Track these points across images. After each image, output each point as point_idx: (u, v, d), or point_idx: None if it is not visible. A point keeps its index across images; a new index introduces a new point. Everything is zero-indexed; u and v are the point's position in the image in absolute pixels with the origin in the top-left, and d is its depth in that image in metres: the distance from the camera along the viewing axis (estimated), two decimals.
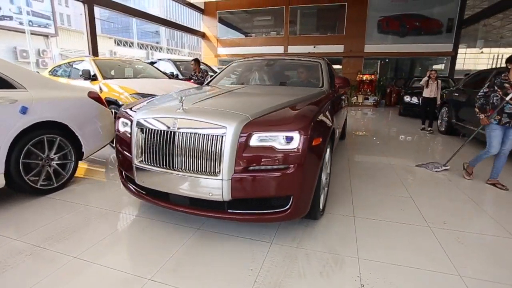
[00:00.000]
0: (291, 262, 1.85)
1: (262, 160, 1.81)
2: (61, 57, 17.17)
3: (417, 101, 8.91)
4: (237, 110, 1.95)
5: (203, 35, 16.82)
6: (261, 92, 2.90)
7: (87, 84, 4.62)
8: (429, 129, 6.72)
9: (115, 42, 24.27)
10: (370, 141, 5.59)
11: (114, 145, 2.66)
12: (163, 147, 1.92)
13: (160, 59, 8.84)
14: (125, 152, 2.20)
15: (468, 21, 12.95)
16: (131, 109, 2.30)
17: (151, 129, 1.96)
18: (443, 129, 6.51)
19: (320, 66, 3.51)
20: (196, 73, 6.43)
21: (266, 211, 1.91)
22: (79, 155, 3.10)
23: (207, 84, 3.70)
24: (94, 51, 9.45)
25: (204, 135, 1.82)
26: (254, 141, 1.82)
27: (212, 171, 1.82)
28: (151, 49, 24.78)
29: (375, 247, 2.03)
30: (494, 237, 2.22)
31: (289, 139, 1.81)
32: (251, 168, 1.81)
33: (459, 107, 5.83)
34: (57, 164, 2.88)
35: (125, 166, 2.23)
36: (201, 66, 6.70)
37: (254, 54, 16.65)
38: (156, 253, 1.90)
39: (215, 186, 1.81)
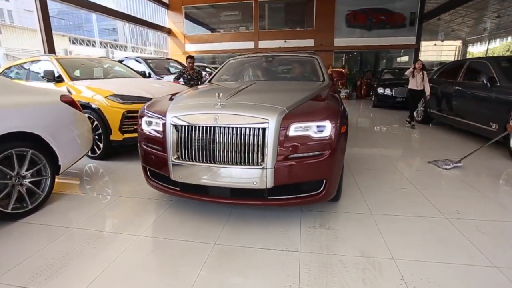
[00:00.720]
0: (328, 272, 1.69)
1: (300, 148, 1.97)
2: (7, 57, 15.49)
3: (390, 92, 9.23)
4: (271, 104, 2.08)
5: (169, 32, 16.08)
6: (276, 88, 3.04)
7: (50, 87, 4.08)
8: (412, 123, 6.23)
9: (69, 41, 22.39)
10: (356, 133, 5.61)
11: (139, 144, 2.48)
12: (204, 142, 1.99)
13: (127, 57, 8.20)
14: (155, 150, 2.22)
15: (428, 15, 13.70)
16: (157, 108, 2.33)
17: (190, 126, 2.02)
18: (419, 118, 6.76)
19: (317, 62, 3.70)
20: (187, 70, 5.81)
21: (302, 195, 2.06)
22: (56, 169, 2.68)
23: (209, 81, 3.65)
24: (51, 50, 8.54)
25: (248, 128, 1.93)
26: (292, 131, 1.96)
27: (256, 162, 1.94)
28: (111, 47, 23.17)
29: (405, 245, 1.93)
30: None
31: (322, 128, 1.98)
32: (291, 156, 1.95)
33: (433, 96, 6.06)
34: (30, 182, 2.45)
35: (155, 164, 2.26)
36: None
37: (224, 50, 16.39)
38: (174, 283, 1.63)
39: (259, 175, 1.93)
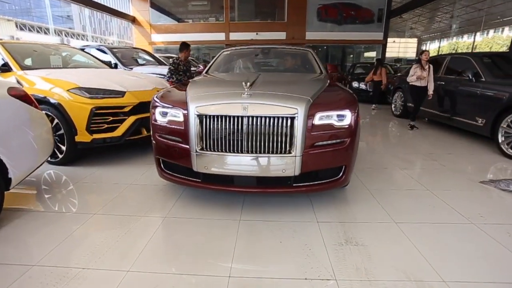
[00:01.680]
0: None
1: (324, 136, 2.05)
2: None
3: (364, 87, 9.29)
4: (294, 94, 2.12)
5: (133, 20, 14.86)
6: (286, 79, 3.02)
7: None
8: (412, 123, 5.40)
9: (16, 26, 19.83)
10: None
11: (152, 136, 2.34)
12: (231, 132, 1.98)
13: (87, 46, 7.26)
14: (174, 142, 2.16)
15: (394, 12, 14.14)
16: (173, 98, 2.30)
17: (216, 116, 1.99)
18: (398, 112, 6.82)
19: (312, 55, 3.77)
20: (181, 61, 4.68)
21: (323, 181, 2.15)
22: (5, 184, 2.07)
23: (206, 73, 3.51)
24: None
25: (277, 117, 1.96)
26: (317, 120, 2.02)
27: (286, 150, 1.99)
28: (66, 35, 20.91)
29: (450, 265, 1.69)
30: None
31: (343, 117, 2.08)
32: (316, 144, 2.03)
33: (411, 91, 6.09)
34: None
35: (174, 155, 2.20)
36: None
37: (194, 42, 15.56)
38: None
39: (289, 163, 1.98)
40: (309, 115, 1.99)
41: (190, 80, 3.05)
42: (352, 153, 2.15)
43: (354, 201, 2.50)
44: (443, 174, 3.18)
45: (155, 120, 2.27)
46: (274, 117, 1.96)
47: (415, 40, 37.90)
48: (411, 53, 35.35)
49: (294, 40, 14.26)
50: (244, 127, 1.96)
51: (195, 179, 2.18)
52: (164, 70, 5.98)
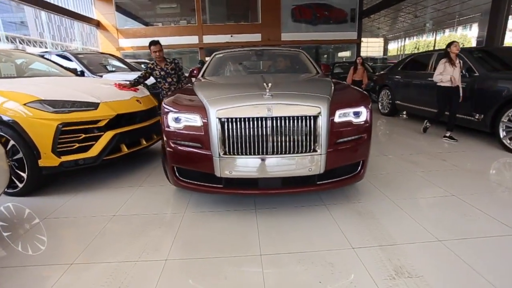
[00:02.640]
0: None
1: (344, 133, 2.09)
2: None
3: None
4: (314, 93, 2.16)
5: (97, 24, 13.86)
6: (293, 79, 3.02)
7: None
8: (448, 134, 4.32)
9: None
10: None
11: (163, 147, 2.24)
12: (256, 134, 1.95)
13: (47, 52, 6.47)
14: (192, 148, 2.09)
15: (366, 12, 14.40)
16: (187, 103, 2.24)
17: (240, 119, 1.95)
18: (385, 111, 6.74)
19: (305, 55, 3.85)
20: (157, 65, 3.83)
21: (344, 177, 2.19)
22: None
23: (202, 76, 3.40)
24: None
25: (301, 117, 1.96)
26: (337, 117, 2.05)
27: (311, 148, 1.99)
28: (21, 42, 19.16)
29: None
30: None
31: (359, 113, 2.14)
32: (338, 141, 2.06)
33: (401, 88, 6.03)
34: None
35: (193, 162, 2.12)
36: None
37: (166, 46, 14.80)
38: None
39: (314, 161, 1.99)
40: (331, 113, 2.01)
41: (195, 83, 2.88)
42: (369, 147, 2.26)
43: (382, 216, 2.18)
44: (459, 175, 2.97)
45: (168, 127, 2.15)
46: (298, 117, 1.95)
47: (381, 39, 39.53)
48: (378, 52, 36.79)
49: (270, 42, 14.06)
50: (269, 128, 1.94)
51: (216, 185, 2.11)
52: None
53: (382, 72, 7.60)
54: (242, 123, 1.95)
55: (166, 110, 2.20)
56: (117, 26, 13.92)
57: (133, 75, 5.65)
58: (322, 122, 1.96)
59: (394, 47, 43.12)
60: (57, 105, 2.55)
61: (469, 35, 34.46)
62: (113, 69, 6.61)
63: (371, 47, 38.89)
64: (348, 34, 14.41)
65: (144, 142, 3.29)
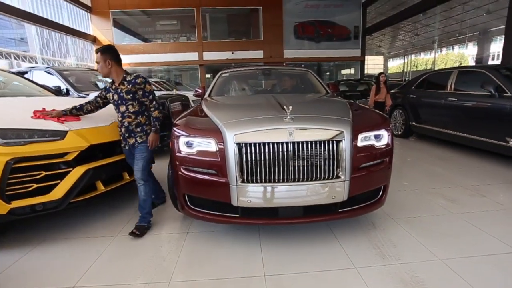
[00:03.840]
0: None
1: (368, 157, 2.00)
2: None
3: None
4: (334, 116, 2.07)
5: (94, 40, 13.56)
6: (307, 100, 2.95)
7: None
8: None
9: None
10: None
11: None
12: (277, 160, 1.85)
13: (33, 68, 5.98)
14: (207, 176, 1.94)
15: (369, 30, 14.21)
16: (200, 126, 2.11)
17: (260, 144, 1.84)
18: (399, 132, 6.20)
19: (313, 75, 3.75)
20: (111, 85, 2.36)
21: (366, 203, 2.08)
22: None
23: (209, 96, 3.26)
24: None
25: (324, 141, 1.87)
26: (359, 141, 1.97)
27: (335, 175, 1.88)
28: (16, 58, 18.81)
29: None
30: None
31: (381, 136, 2.06)
32: (361, 166, 1.96)
33: (418, 109, 5.52)
34: None
35: (207, 190, 1.98)
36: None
37: (165, 62, 14.52)
38: None
39: (338, 188, 1.88)
40: (354, 137, 1.93)
41: (204, 104, 2.64)
42: (390, 172, 2.17)
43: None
44: (510, 218, 2.38)
45: (180, 152, 2.01)
46: (321, 141, 1.87)
47: (381, 57, 39.76)
48: (379, 70, 36.92)
49: (272, 59, 13.74)
50: (290, 153, 1.85)
51: (232, 215, 1.97)
52: None
53: (394, 90, 7.14)
54: (262, 148, 1.84)
55: (177, 134, 2.05)
56: (114, 42, 13.61)
57: None
58: (345, 146, 1.87)
59: (393, 65, 43.46)
60: (9, 135, 1.97)
61: (466, 53, 34.84)
62: (107, 85, 6.10)
63: (372, 64, 39.10)
64: (352, 52, 14.14)
65: (128, 177, 2.71)
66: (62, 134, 2.17)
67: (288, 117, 1.90)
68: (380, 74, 6.05)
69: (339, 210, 1.98)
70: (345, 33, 14.05)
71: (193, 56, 13.72)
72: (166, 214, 2.63)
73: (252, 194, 1.87)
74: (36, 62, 19.18)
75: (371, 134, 2.01)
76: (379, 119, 2.21)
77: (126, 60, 13.75)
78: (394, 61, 43.31)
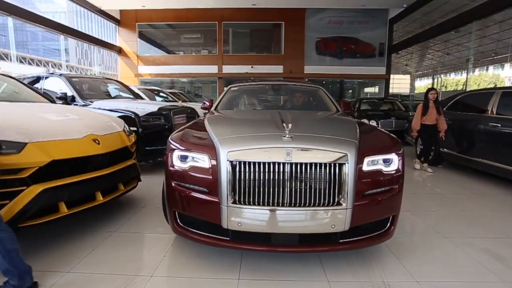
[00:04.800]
0: None
1: (374, 183, 1.82)
2: None
3: (376, 125, 8.15)
4: (339, 136, 1.94)
5: (119, 51, 13.97)
6: (310, 117, 2.79)
7: None
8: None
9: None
10: None
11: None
12: (272, 181, 1.72)
13: (51, 74, 5.98)
14: (197, 193, 1.84)
15: (395, 47, 13.59)
16: (194, 140, 2.06)
17: (254, 163, 1.72)
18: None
19: (324, 92, 3.61)
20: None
21: (371, 235, 1.88)
22: None
23: (215, 109, 3.23)
24: None
25: (325, 163, 1.73)
26: (366, 165, 1.80)
27: (335, 201, 1.74)
28: (53, 66, 19.90)
29: None
30: None
31: (391, 161, 1.87)
32: (366, 193, 1.79)
33: (451, 133, 4.87)
34: None
35: (196, 209, 1.89)
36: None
37: (184, 74, 14.64)
38: None
39: (338, 216, 1.73)
40: (359, 160, 1.75)
41: (207, 117, 2.63)
42: (401, 200, 1.98)
43: None
44: None
45: (173, 166, 1.94)
46: (321, 164, 1.71)
47: (408, 76, 38.47)
48: (405, 89, 35.66)
49: (292, 74, 13.44)
50: (287, 175, 1.70)
51: (222, 237, 1.83)
52: (139, 105, 4.78)
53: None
54: (256, 168, 1.73)
55: (172, 147, 1.98)
56: (138, 53, 13.95)
57: (131, 104, 5.01)
58: (348, 171, 1.71)
59: (420, 85, 41.92)
60: None
61: (502, 75, 32.88)
62: (120, 93, 6.04)
63: (398, 83, 37.88)
64: (376, 69, 13.54)
65: (101, 197, 2.37)
66: (19, 147, 1.87)
67: (287, 135, 1.77)
68: (429, 90, 4.84)
69: (340, 241, 1.80)
70: (370, 50, 13.52)
71: (212, 69, 13.74)
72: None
73: (243, 217, 1.74)
74: (71, 70, 20.10)
75: (379, 158, 1.84)
76: (390, 142, 2.05)
77: (147, 70, 14.02)
78: (421, 80, 41.78)
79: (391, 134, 2.21)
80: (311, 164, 1.70)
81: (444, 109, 5.33)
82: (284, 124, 1.87)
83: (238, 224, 1.74)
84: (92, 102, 4.73)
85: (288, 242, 1.82)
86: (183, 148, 1.93)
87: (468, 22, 10.53)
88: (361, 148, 1.81)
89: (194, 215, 1.89)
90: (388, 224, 1.93)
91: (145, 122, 4.41)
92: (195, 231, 1.91)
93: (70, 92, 4.93)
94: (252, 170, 1.71)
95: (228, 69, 13.71)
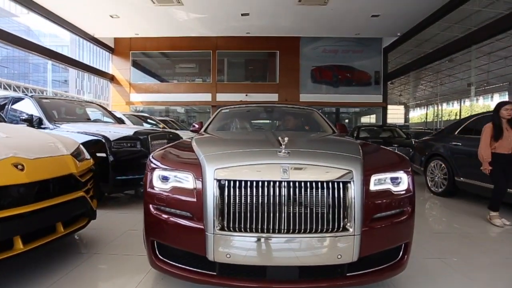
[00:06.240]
0: None
1: (384, 205, 1.60)
2: None
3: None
4: (342, 152, 1.78)
5: (111, 78, 13.74)
6: (307, 136, 2.68)
7: None
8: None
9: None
10: None
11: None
12: (265, 204, 1.47)
13: (23, 95, 5.48)
14: (179, 218, 1.58)
15: (391, 75, 13.58)
16: (177, 159, 1.82)
17: (245, 182, 1.49)
18: (439, 190, 4.92)
19: (318, 114, 3.53)
20: None
21: (382, 266, 1.62)
22: None
23: (204, 131, 3.08)
24: None
25: (328, 182, 1.50)
26: (372, 185, 1.59)
27: (341, 226, 1.48)
28: (40, 92, 19.87)
29: None
30: None
31: (400, 180, 1.69)
32: (376, 216, 1.56)
33: (466, 160, 4.33)
34: None
35: (177, 237, 1.60)
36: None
37: (177, 102, 14.34)
38: None
39: (345, 244, 1.47)
40: (365, 179, 1.54)
41: (194, 138, 2.41)
42: (413, 225, 1.72)
43: None
44: None
45: (152, 187, 1.66)
46: (323, 182, 1.48)
47: (402, 107, 39.00)
48: (400, 119, 35.98)
49: (287, 102, 13.18)
50: (284, 197, 1.46)
51: (207, 272, 1.54)
52: (113, 129, 4.23)
53: (427, 137, 6.00)
54: (248, 187, 1.47)
55: (152, 165, 1.73)
56: (131, 81, 13.72)
57: (106, 127, 4.49)
58: (355, 190, 1.47)
59: (414, 115, 42.42)
60: None
61: (492, 106, 33.45)
62: (100, 117, 5.57)
63: (392, 114, 38.24)
64: (373, 97, 13.41)
65: (20, 245, 1.70)
66: None
67: (284, 151, 1.59)
68: (502, 105, 3.34)
69: (347, 274, 1.54)
70: (365, 79, 13.48)
71: (206, 97, 13.49)
72: None
73: (233, 246, 1.48)
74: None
75: (387, 176, 1.66)
76: (397, 159, 1.86)
77: (139, 98, 13.70)
78: (415, 111, 42.34)
79: (399, 153, 2.00)
80: (311, 182, 1.48)
81: (455, 133, 4.85)
82: (279, 139, 1.69)
83: (227, 256, 1.47)
84: (59, 126, 4.17)
85: (286, 277, 1.53)
86: (164, 166, 1.69)
87: (458, 51, 10.58)
88: (366, 165, 1.61)
89: (175, 245, 1.61)
90: (401, 253, 1.68)
91: (118, 147, 3.82)
92: (175, 264, 1.62)
93: (37, 114, 4.41)
94: (243, 190, 1.49)
95: (222, 97, 13.46)
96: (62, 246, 2.39)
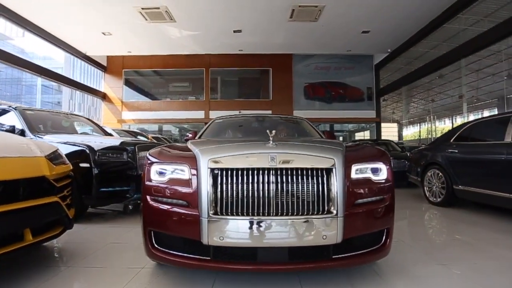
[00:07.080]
0: None
1: (364, 192, 1.76)
2: None
3: None
4: (323, 145, 2.02)
5: (103, 96, 13.67)
6: (300, 139, 2.83)
7: None
8: None
9: None
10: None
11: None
12: (256, 189, 1.62)
13: (8, 107, 5.32)
14: (175, 207, 1.70)
15: (383, 91, 13.78)
16: (174, 153, 1.98)
17: (237, 170, 1.64)
18: (438, 199, 4.77)
19: (307, 123, 3.76)
20: None
21: (366, 250, 1.76)
22: None
23: (199, 138, 3.32)
24: None
25: (312, 169, 1.67)
26: (353, 173, 1.77)
27: (325, 209, 1.64)
28: None
29: None
30: None
31: (379, 170, 1.84)
32: (357, 202, 1.73)
33: (464, 167, 4.22)
34: None
35: (175, 225, 1.70)
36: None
37: (170, 120, 14.24)
38: None
39: (330, 226, 1.62)
40: (346, 167, 1.72)
41: (189, 141, 2.47)
42: (393, 213, 1.86)
43: None
44: None
45: (150, 180, 1.79)
46: (308, 169, 1.65)
47: (395, 124, 39.49)
48: (394, 137, 36.36)
49: (278, 113, 13.22)
50: (272, 183, 1.61)
51: (202, 257, 1.65)
52: (98, 139, 4.09)
53: (422, 147, 5.93)
54: (239, 175, 1.62)
55: (150, 161, 1.87)
56: (123, 99, 13.66)
57: (91, 138, 4.34)
58: (337, 177, 1.64)
59: (407, 133, 42.86)
60: None
61: None
62: (88, 130, 5.46)
63: (386, 131, 38.57)
64: (366, 113, 13.53)
65: (30, 237, 1.53)
66: None
67: (272, 142, 1.77)
68: None
69: (333, 257, 1.65)
70: (358, 94, 13.66)
71: (199, 114, 13.45)
72: None
73: (224, 230, 1.58)
74: None
75: (367, 166, 1.82)
76: (376, 152, 2.02)
77: (131, 116, 13.58)
78: (408, 129, 42.85)
79: (378, 148, 2.18)
80: (296, 169, 1.64)
81: (451, 140, 4.78)
82: (268, 131, 1.87)
83: (220, 238, 1.59)
84: (42, 137, 3.99)
85: (277, 259, 1.65)
86: (162, 160, 1.84)
87: (447, 65, 10.82)
88: (348, 155, 1.81)
89: (171, 232, 1.72)
90: (384, 237, 1.81)
91: (103, 157, 3.63)
92: (171, 252, 1.73)
93: (20, 125, 4.24)
94: (234, 177, 1.63)
95: (215, 114, 13.40)
96: (34, 258, 2.16)
